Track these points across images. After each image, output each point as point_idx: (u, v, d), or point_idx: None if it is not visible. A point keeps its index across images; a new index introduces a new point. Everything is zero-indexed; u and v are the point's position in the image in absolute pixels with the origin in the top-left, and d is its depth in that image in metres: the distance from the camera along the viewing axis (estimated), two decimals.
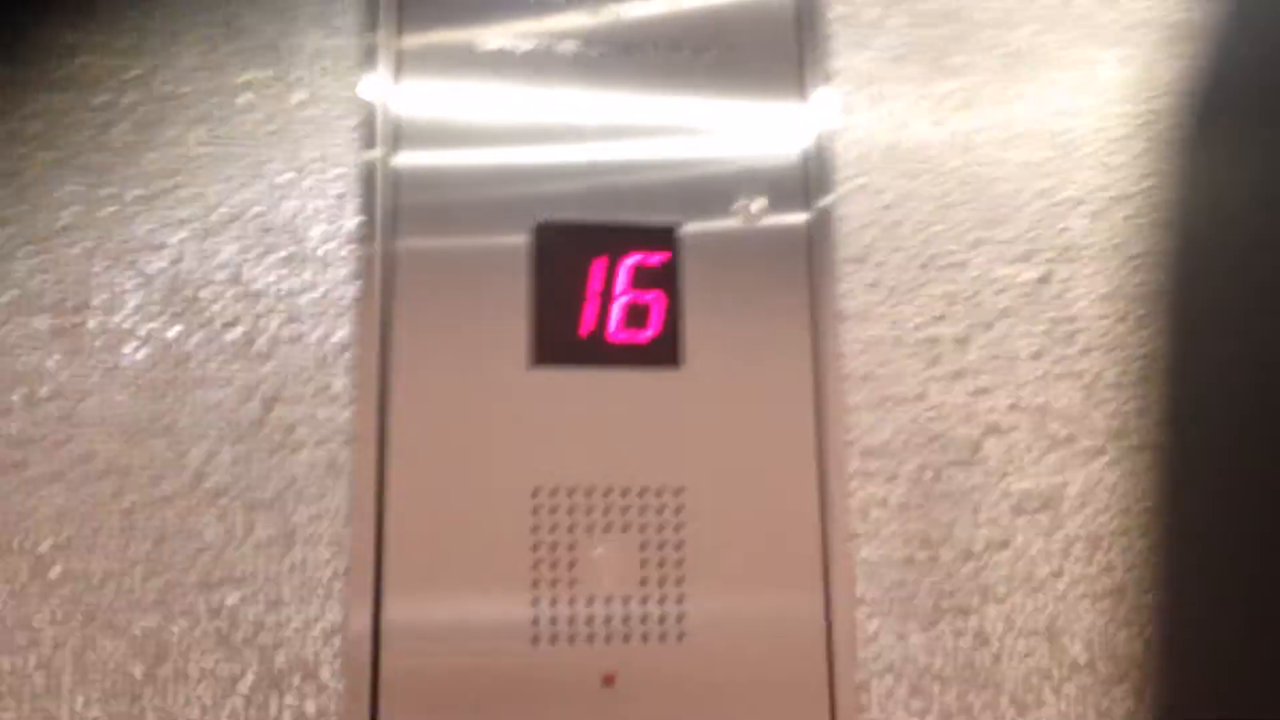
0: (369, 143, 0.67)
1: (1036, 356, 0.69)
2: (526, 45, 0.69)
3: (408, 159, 0.67)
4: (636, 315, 0.66)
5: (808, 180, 0.69)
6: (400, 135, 0.67)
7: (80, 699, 0.60)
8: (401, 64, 0.68)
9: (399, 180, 0.66)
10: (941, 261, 0.70)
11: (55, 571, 0.61)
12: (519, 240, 0.66)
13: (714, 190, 0.69)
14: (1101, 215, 0.71)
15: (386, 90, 0.67)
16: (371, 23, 0.68)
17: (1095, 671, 0.65)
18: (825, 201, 0.69)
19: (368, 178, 0.66)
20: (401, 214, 0.66)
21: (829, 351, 0.67)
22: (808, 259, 0.68)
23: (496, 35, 0.69)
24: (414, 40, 0.68)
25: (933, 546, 0.66)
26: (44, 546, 0.61)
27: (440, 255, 0.66)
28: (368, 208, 0.66)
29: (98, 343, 0.63)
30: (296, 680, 0.61)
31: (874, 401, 0.67)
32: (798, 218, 0.69)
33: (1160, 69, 0.74)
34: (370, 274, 0.65)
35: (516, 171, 0.67)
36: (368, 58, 0.68)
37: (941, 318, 0.69)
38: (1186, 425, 0.68)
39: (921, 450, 0.67)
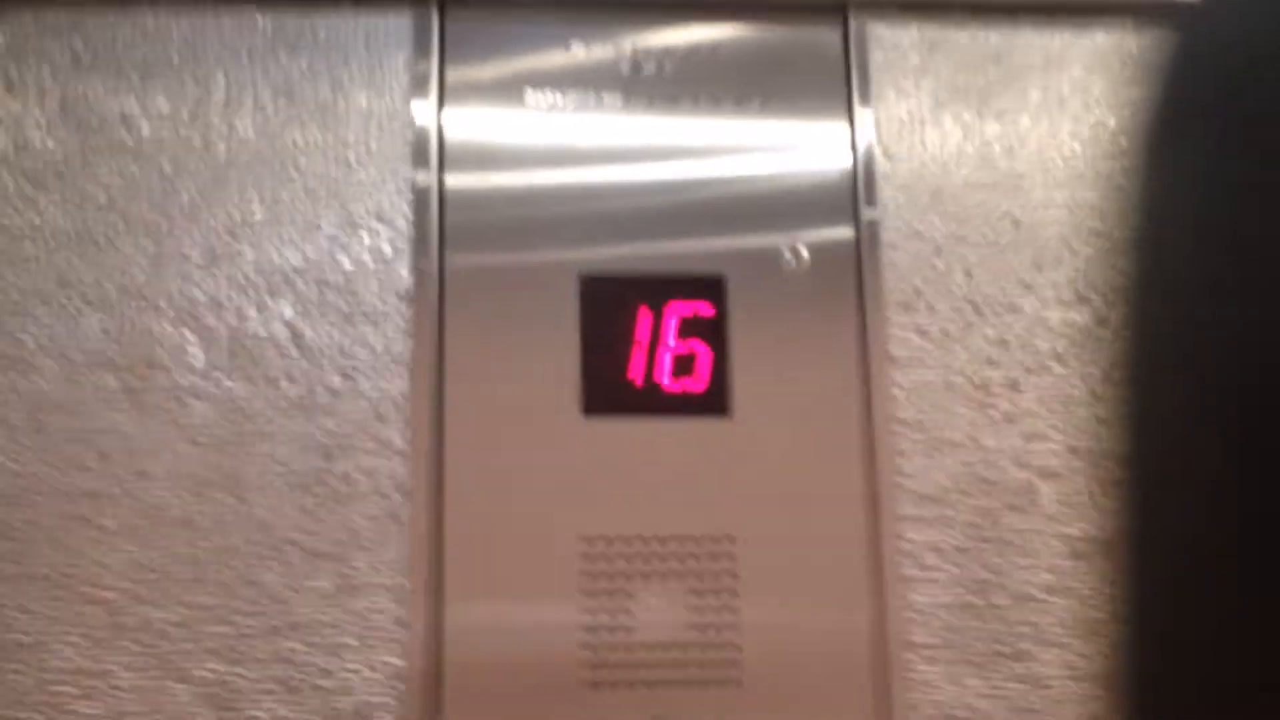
0: (422, 205, 0.68)
1: (1093, 400, 0.68)
2: (570, 109, 0.71)
3: (457, 217, 0.68)
4: (686, 365, 0.67)
5: (856, 227, 0.70)
6: (448, 197, 0.69)
7: None
8: (445, 147, 0.70)
9: (449, 237, 0.68)
10: (992, 306, 0.70)
11: (128, 620, 0.63)
12: (567, 291, 0.67)
13: (761, 239, 0.69)
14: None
15: (434, 171, 0.69)
16: (418, 90, 0.70)
17: None
18: (874, 249, 0.69)
19: (420, 238, 0.68)
20: (451, 272, 0.68)
21: (880, 396, 0.67)
22: (857, 305, 0.69)
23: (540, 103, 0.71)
24: (457, 113, 0.70)
25: (987, 592, 0.66)
26: (118, 596, 0.63)
27: (491, 310, 0.67)
28: (421, 269, 0.68)
29: (165, 400, 0.66)
30: None
31: (926, 447, 0.67)
32: (846, 265, 0.69)
33: None
34: (423, 333, 0.67)
35: (562, 222, 0.69)
36: (418, 132, 0.70)
37: (993, 362, 0.69)
38: (1249, 464, 0.67)
39: (974, 495, 0.67)
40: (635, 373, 0.67)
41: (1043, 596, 0.66)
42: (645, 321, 0.67)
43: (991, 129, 0.73)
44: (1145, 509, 0.66)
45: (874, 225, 0.70)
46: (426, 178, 0.69)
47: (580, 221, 0.69)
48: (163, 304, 0.67)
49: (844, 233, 0.70)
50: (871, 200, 0.70)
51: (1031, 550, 0.66)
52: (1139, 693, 0.64)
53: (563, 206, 0.69)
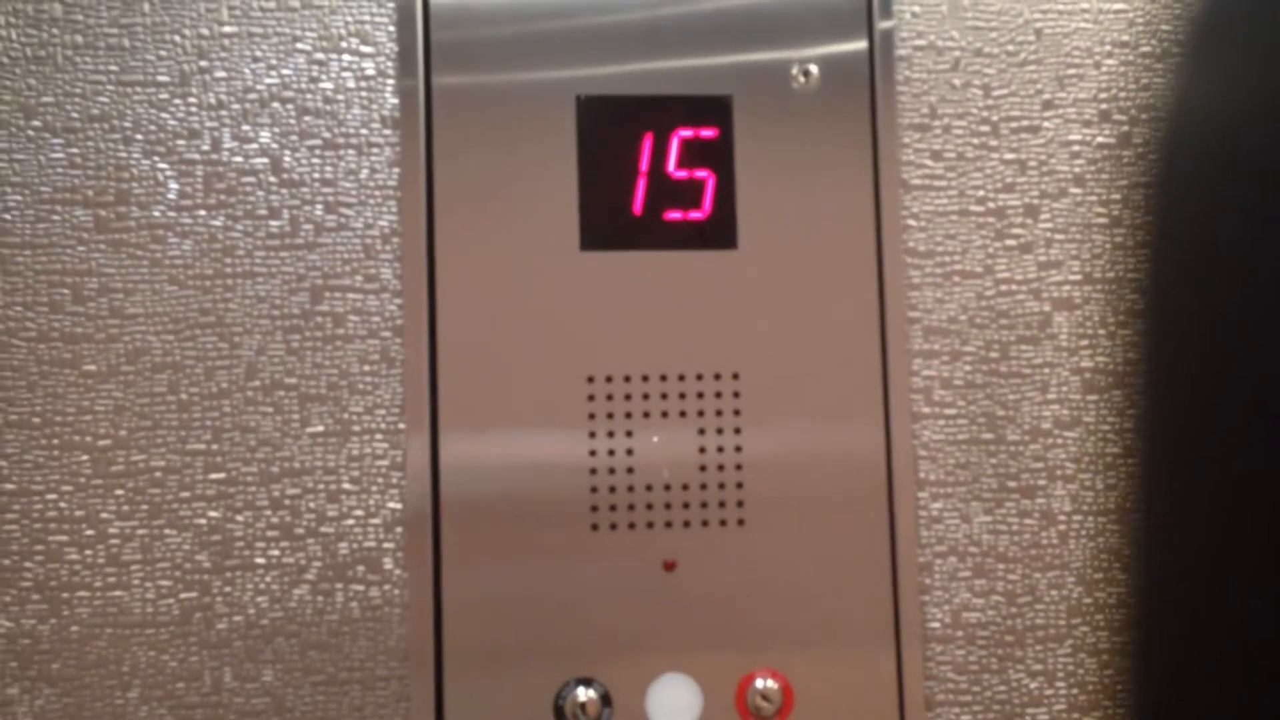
0: (406, 20, 0.64)
1: (1112, 225, 0.66)
2: None
3: (443, 34, 0.64)
4: (690, 194, 0.64)
5: (870, 40, 0.65)
6: (436, 21, 0.64)
7: (151, 590, 0.61)
8: None
9: (435, 54, 0.64)
10: (1011, 126, 0.66)
11: (117, 466, 0.61)
12: (564, 116, 0.64)
13: (769, 54, 0.65)
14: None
15: None
16: None
17: None
18: (888, 64, 0.65)
19: (405, 56, 0.64)
20: (441, 92, 0.63)
21: (891, 226, 0.64)
22: (870, 127, 0.65)
23: None
24: None
25: (998, 427, 0.64)
26: (104, 442, 0.61)
27: (484, 134, 0.63)
28: (406, 88, 0.63)
29: (141, 235, 0.62)
30: (361, 570, 0.62)
31: (939, 277, 0.65)
32: (858, 83, 0.65)
33: None
34: (413, 160, 0.63)
35: (557, 37, 0.64)
36: None
37: (1010, 187, 0.66)
38: (1267, 290, 0.65)
39: (987, 327, 0.65)
40: (636, 203, 0.63)
41: (1055, 431, 0.65)
42: (646, 147, 0.64)
43: None
44: (1162, 340, 0.64)
45: (888, 37, 0.66)
46: None
47: (576, 36, 0.64)
48: (131, 131, 0.63)
49: (857, 46, 0.65)
50: (887, 11, 0.66)
51: (1044, 384, 0.65)
52: (1150, 527, 0.64)
53: (557, 21, 0.64)
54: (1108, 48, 0.67)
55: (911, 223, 0.65)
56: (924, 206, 0.65)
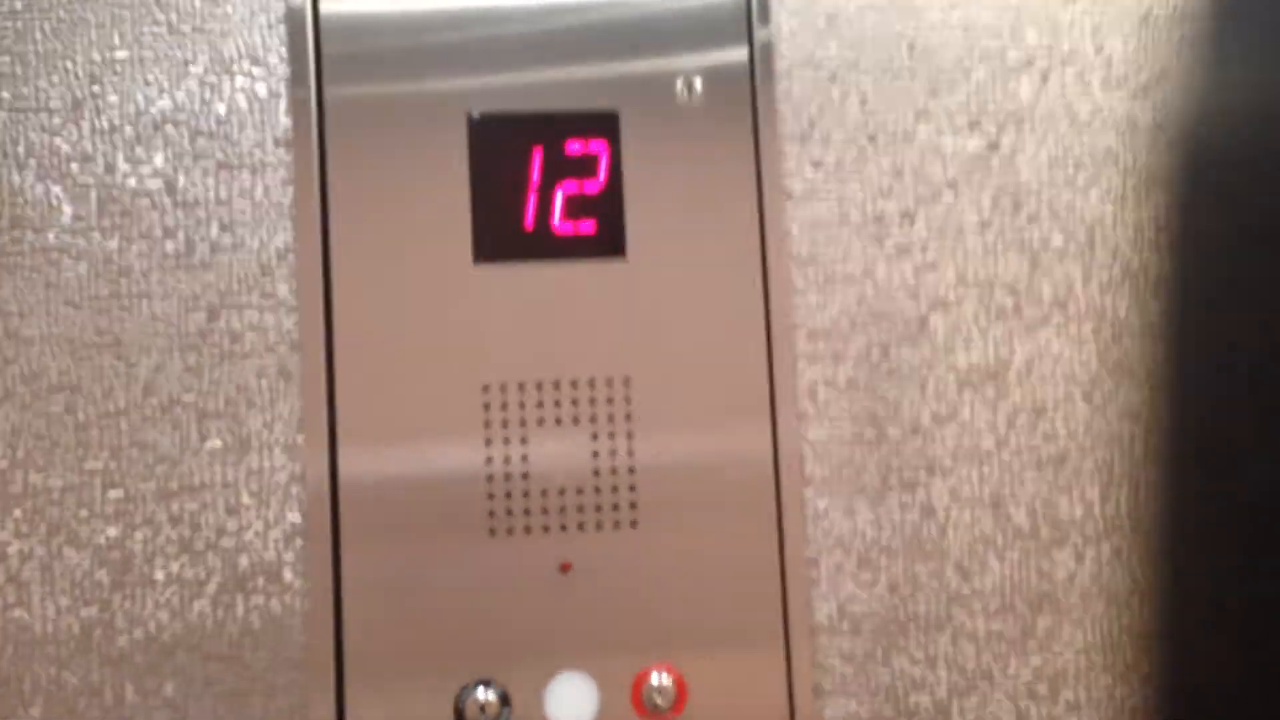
0: (299, 43, 0.65)
1: (983, 228, 0.69)
2: None
3: (334, 48, 0.65)
4: (579, 206, 0.66)
5: (750, 48, 0.68)
6: (326, 33, 0.65)
7: (51, 608, 0.61)
8: None
9: (326, 68, 0.65)
10: (887, 135, 0.69)
11: (15, 487, 0.62)
12: (455, 132, 0.65)
13: (654, 64, 0.67)
14: (1049, 78, 0.70)
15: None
16: None
17: (1038, 537, 0.67)
18: (768, 71, 0.68)
19: (296, 71, 0.65)
20: (333, 108, 0.65)
21: (774, 233, 0.67)
22: (752, 138, 0.67)
23: None
24: None
25: (880, 424, 0.67)
26: (1, 463, 0.62)
27: (377, 151, 0.65)
28: (299, 104, 0.65)
29: (37, 259, 0.63)
30: (260, 582, 0.63)
31: (820, 281, 0.67)
32: (740, 96, 0.67)
33: None
34: (306, 179, 0.64)
35: (447, 49, 0.66)
36: None
37: (887, 193, 0.68)
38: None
39: (868, 328, 0.67)
40: (527, 216, 0.65)
41: (933, 427, 0.67)
42: (536, 161, 0.66)
43: None
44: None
45: (768, 46, 0.68)
46: (300, 2, 0.65)
47: (466, 47, 0.66)
48: (24, 157, 0.64)
49: (738, 55, 0.68)
50: (765, 19, 0.68)
51: (923, 382, 0.67)
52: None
53: (447, 32, 0.66)
54: (976, 58, 0.70)
55: (794, 229, 0.67)
56: (806, 213, 0.68)
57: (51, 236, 0.63)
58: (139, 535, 0.62)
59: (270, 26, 0.66)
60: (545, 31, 0.67)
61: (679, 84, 0.67)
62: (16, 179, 0.63)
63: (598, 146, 0.66)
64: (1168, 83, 0.70)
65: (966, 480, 0.67)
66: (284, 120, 0.65)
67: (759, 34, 0.68)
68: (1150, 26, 0.70)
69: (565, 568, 0.64)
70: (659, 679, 0.63)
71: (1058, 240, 0.69)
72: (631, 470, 0.64)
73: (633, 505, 0.64)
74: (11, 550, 0.61)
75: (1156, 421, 0.68)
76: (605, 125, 0.66)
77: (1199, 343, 0.68)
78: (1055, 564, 0.67)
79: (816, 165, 0.68)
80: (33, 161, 0.64)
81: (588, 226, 0.66)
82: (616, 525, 0.64)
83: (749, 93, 0.67)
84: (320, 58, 0.65)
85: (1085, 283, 0.68)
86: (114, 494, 0.62)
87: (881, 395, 0.67)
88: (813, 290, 0.67)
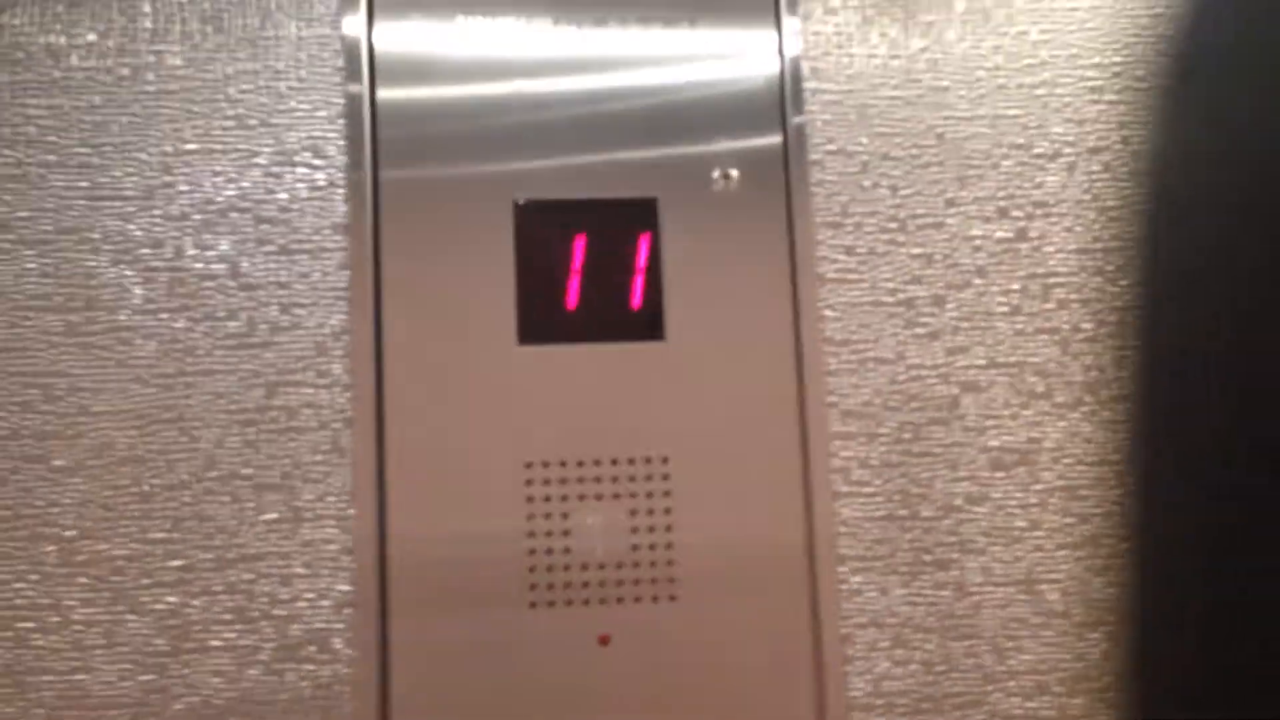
0: (356, 129, 0.69)
1: (1012, 313, 0.70)
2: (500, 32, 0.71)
3: (390, 132, 0.69)
4: (620, 289, 0.68)
5: (785, 134, 0.71)
6: (383, 119, 0.69)
7: (112, 673, 0.64)
8: (376, 61, 0.70)
9: (382, 152, 0.69)
10: (917, 223, 0.71)
11: (81, 556, 0.65)
12: (501, 216, 0.68)
13: (691, 150, 0.70)
14: (1076, 169, 0.72)
15: (367, 85, 0.69)
16: (348, 7, 0.70)
17: (1070, 618, 0.68)
18: (801, 156, 0.70)
19: (353, 153, 0.68)
20: (388, 189, 0.68)
21: (808, 316, 0.69)
22: (786, 224, 0.70)
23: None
24: (387, 28, 0.70)
25: (912, 503, 0.68)
26: (70, 532, 0.65)
27: (427, 233, 0.68)
28: (355, 187, 0.68)
29: (109, 338, 0.67)
30: (311, 650, 0.65)
31: (853, 364, 0.69)
32: (775, 184, 0.70)
33: (1133, 20, 0.74)
34: (361, 266, 0.68)
35: (494, 135, 0.69)
36: (348, 54, 0.70)
37: (918, 279, 0.70)
38: (1160, 377, 0.70)
39: (900, 410, 0.69)
40: (570, 299, 0.68)
41: (965, 506, 0.69)
42: (578, 247, 0.68)
43: (916, 44, 0.73)
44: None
45: (801, 133, 0.71)
46: (358, 90, 0.69)
47: (512, 131, 0.69)
48: (100, 242, 0.68)
49: (773, 141, 0.70)
50: (799, 107, 0.71)
51: (954, 462, 0.69)
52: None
53: (494, 118, 0.69)
54: (1004, 150, 0.72)
55: (828, 313, 0.70)
56: (839, 298, 0.70)
57: (123, 317, 0.67)
58: (197, 604, 0.65)
59: (331, 120, 0.69)
60: (588, 116, 0.70)
61: (715, 172, 0.70)
62: (92, 262, 0.67)
63: (638, 232, 0.69)
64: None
65: (999, 560, 0.68)
66: (340, 207, 0.69)
67: (793, 121, 0.71)
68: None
69: (604, 640, 0.65)
70: None
71: (1087, 326, 0.70)
72: (669, 546, 0.66)
73: (670, 580, 0.66)
74: (76, 616, 0.64)
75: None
76: (645, 211, 0.69)
77: (1239, 426, 0.69)
78: (1090, 645, 0.68)
79: (849, 251, 0.70)
80: (107, 246, 0.68)
81: (627, 309, 0.68)
82: (655, 599, 0.66)
83: (783, 179, 0.70)
84: (376, 142, 0.69)
85: (1116, 368, 0.70)
86: (174, 563, 0.65)
87: (914, 475, 0.69)
88: (846, 372, 0.69)
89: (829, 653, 0.66)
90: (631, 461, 0.67)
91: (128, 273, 0.67)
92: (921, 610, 0.68)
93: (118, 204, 0.68)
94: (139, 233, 0.68)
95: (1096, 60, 0.73)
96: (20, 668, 0.64)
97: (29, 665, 0.64)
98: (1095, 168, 0.72)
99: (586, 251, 0.68)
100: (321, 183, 0.69)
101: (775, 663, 0.66)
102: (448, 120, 0.69)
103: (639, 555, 0.66)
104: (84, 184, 0.68)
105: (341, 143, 0.69)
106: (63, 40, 0.69)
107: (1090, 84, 0.73)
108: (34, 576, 0.64)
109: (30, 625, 0.64)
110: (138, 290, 0.67)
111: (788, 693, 0.66)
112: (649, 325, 0.68)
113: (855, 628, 0.67)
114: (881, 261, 0.71)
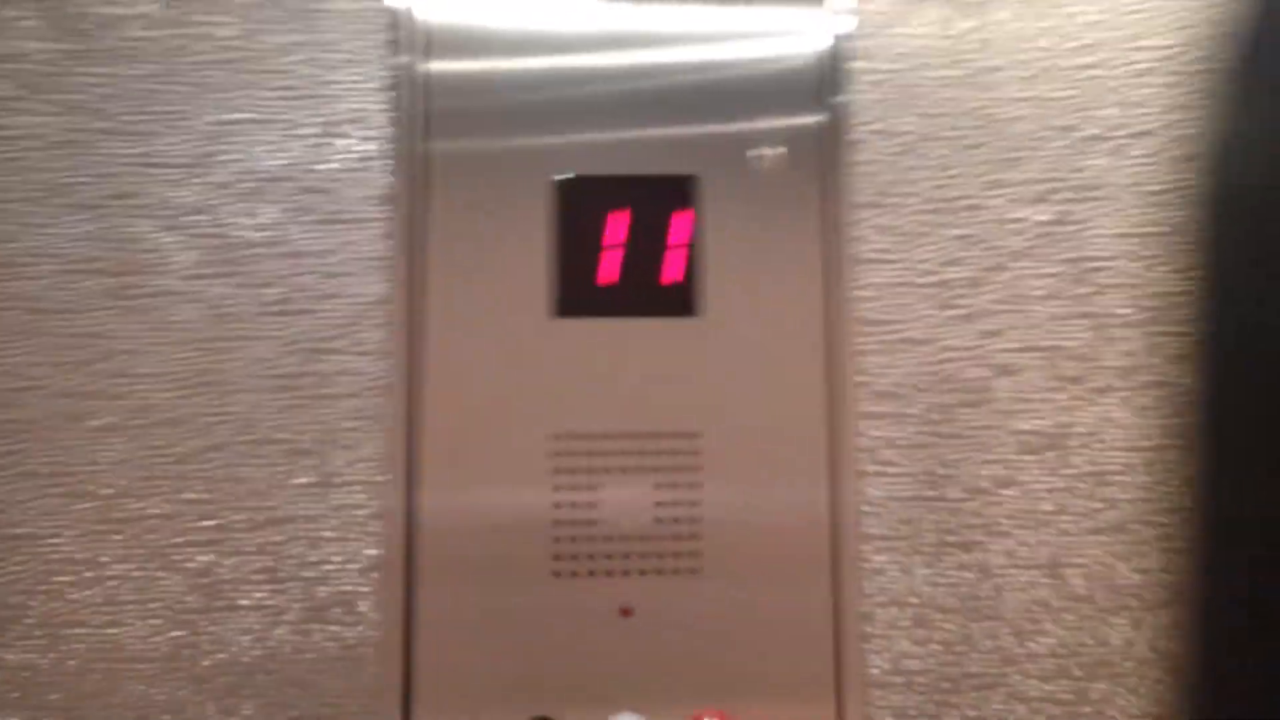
0: (403, 101, 0.70)
1: (1049, 297, 0.70)
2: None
3: (436, 104, 0.70)
4: (655, 265, 0.68)
5: (825, 125, 0.70)
6: (429, 91, 0.70)
7: (144, 628, 0.66)
8: (425, 33, 0.71)
9: (431, 124, 0.69)
10: (957, 204, 0.71)
11: (119, 513, 0.66)
12: (541, 190, 0.69)
13: (732, 133, 0.70)
14: (1121, 152, 0.71)
15: (415, 58, 0.70)
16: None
17: (1094, 602, 0.67)
18: (841, 146, 0.70)
19: (400, 126, 0.69)
20: (438, 163, 0.69)
21: (843, 296, 0.69)
22: (826, 205, 0.70)
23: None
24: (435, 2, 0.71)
25: (939, 484, 0.68)
26: (107, 490, 0.66)
27: (470, 206, 0.69)
28: (402, 159, 0.69)
29: (152, 302, 0.68)
30: (337, 611, 0.66)
31: (887, 344, 0.69)
32: (815, 161, 0.70)
33: (1188, 2, 0.73)
34: (402, 236, 0.68)
35: (538, 116, 0.70)
36: (396, 27, 0.71)
37: (955, 260, 0.70)
38: (1197, 363, 0.69)
39: (930, 391, 0.69)
40: (606, 274, 0.68)
41: (992, 489, 0.68)
42: (617, 224, 0.69)
43: (963, 24, 0.72)
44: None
45: (843, 113, 0.70)
46: (406, 62, 0.70)
47: (554, 107, 0.70)
48: (148, 208, 0.69)
49: (816, 119, 0.70)
50: (841, 87, 0.71)
51: (984, 445, 0.68)
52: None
53: (538, 92, 0.70)
54: (1050, 132, 0.71)
55: (863, 293, 0.69)
56: (874, 278, 0.70)
57: (167, 281, 0.68)
58: (228, 563, 0.66)
59: (377, 92, 0.70)
60: (632, 91, 0.70)
61: (758, 148, 0.70)
62: (139, 227, 0.69)
63: (677, 208, 0.69)
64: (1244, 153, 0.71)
65: (1024, 544, 0.68)
66: (384, 178, 0.69)
67: (837, 100, 0.70)
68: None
69: (626, 612, 0.66)
70: None
71: (1125, 311, 0.69)
72: (694, 520, 0.66)
73: (694, 554, 0.66)
74: (110, 572, 0.66)
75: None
76: (685, 188, 0.69)
77: (1263, 414, 0.68)
78: (1113, 630, 0.67)
79: (887, 231, 0.70)
80: (156, 212, 0.69)
81: (662, 285, 0.68)
82: (677, 572, 0.66)
83: (825, 158, 0.70)
84: (420, 114, 0.69)
85: (1150, 354, 0.69)
86: (208, 523, 0.66)
87: (942, 457, 0.68)
88: (878, 352, 0.69)
89: (848, 630, 0.66)
90: (662, 436, 0.67)
91: (174, 238, 0.69)
92: (943, 591, 0.67)
93: (166, 170, 0.70)
94: (187, 199, 0.69)
95: (1149, 43, 0.72)
96: (55, 620, 0.66)
97: (64, 618, 0.66)
98: (1141, 152, 0.71)
99: (624, 227, 0.69)
100: (368, 153, 0.70)
101: (796, 638, 0.66)
102: (491, 93, 0.70)
103: (663, 529, 0.66)
104: (135, 151, 0.70)
105: (387, 115, 0.70)
106: (120, 10, 0.71)
107: (1140, 67, 0.72)
108: (72, 532, 0.66)
109: (67, 579, 0.66)
110: (182, 255, 0.69)
111: (807, 668, 0.66)
112: (683, 301, 0.68)
113: (877, 606, 0.67)
114: (919, 242, 0.70)
